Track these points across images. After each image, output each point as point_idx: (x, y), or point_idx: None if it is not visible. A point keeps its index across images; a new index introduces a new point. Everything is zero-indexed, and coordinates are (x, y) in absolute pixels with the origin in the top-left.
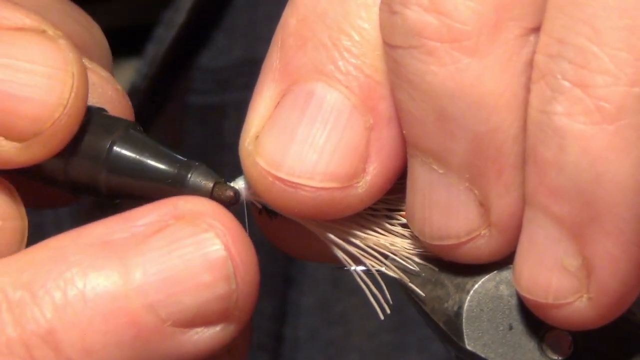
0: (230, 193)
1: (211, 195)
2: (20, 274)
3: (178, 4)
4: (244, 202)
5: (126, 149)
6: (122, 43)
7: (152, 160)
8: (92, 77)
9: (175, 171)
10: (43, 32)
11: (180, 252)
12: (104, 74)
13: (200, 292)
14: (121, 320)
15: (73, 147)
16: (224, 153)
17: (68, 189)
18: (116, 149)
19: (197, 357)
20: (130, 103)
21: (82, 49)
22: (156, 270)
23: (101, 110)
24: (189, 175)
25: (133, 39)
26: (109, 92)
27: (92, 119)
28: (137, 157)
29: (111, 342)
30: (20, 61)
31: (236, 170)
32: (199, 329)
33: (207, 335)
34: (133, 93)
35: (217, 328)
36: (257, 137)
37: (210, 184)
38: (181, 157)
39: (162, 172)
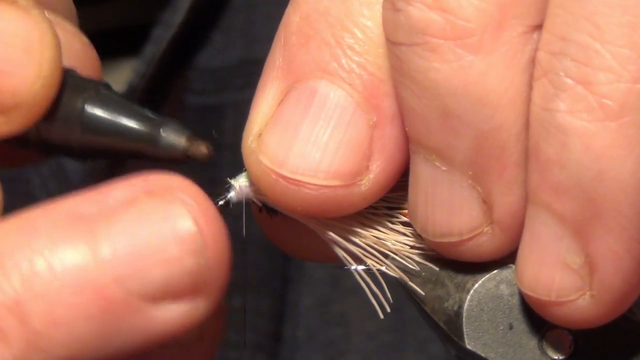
0: (203, 149)
1: (185, 150)
2: None
3: (176, 4)
4: (244, 200)
5: (98, 108)
6: (121, 43)
7: (124, 118)
8: (58, 32)
9: (147, 128)
10: (14, 2)
11: (150, 226)
12: (70, 27)
13: (169, 265)
14: (89, 292)
15: (46, 110)
16: (222, 153)
17: (40, 150)
18: (88, 108)
19: (165, 333)
20: (97, 54)
21: (45, 3)
22: (125, 244)
23: (71, 71)
24: (161, 132)
25: (131, 39)
26: (76, 46)
27: (63, 81)
28: (109, 116)
29: (79, 314)
30: None
31: (235, 169)
32: (167, 304)
33: (175, 311)
34: (131, 93)
35: (186, 303)
36: (260, 135)
37: (183, 139)
38: (153, 115)
39: (134, 130)
